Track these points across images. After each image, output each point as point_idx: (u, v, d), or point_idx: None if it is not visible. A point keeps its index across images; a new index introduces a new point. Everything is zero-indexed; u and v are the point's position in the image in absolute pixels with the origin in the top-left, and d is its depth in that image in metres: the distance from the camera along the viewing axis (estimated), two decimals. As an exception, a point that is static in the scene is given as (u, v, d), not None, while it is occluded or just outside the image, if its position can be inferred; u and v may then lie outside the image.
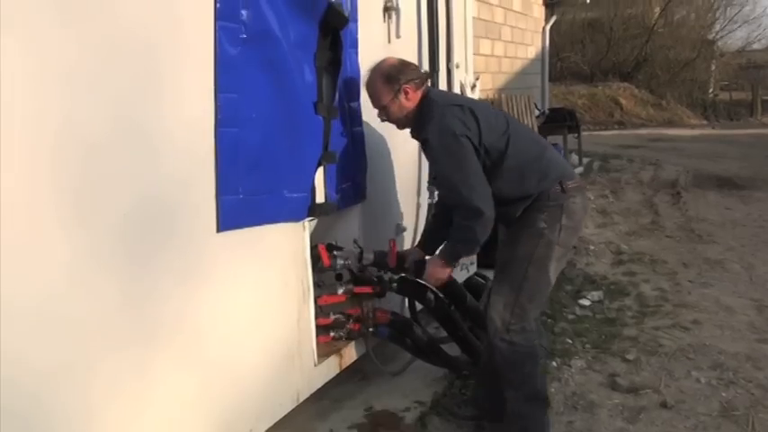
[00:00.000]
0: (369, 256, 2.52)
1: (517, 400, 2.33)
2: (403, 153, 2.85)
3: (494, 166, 2.24)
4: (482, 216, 2.17)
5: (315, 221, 2.29)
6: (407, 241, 2.96)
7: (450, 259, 2.37)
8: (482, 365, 2.57)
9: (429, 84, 2.37)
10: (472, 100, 2.51)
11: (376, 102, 2.37)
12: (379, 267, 2.58)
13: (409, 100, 2.31)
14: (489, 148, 2.22)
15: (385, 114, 2.39)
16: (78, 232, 1.44)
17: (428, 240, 2.63)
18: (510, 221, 2.32)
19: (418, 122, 2.31)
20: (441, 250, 2.43)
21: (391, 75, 2.30)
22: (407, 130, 2.42)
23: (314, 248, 2.34)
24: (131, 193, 1.56)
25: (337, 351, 2.43)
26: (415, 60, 2.94)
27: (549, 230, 2.23)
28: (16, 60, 1.29)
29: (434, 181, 2.68)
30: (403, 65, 2.34)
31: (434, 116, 2.23)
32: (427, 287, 2.52)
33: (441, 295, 2.59)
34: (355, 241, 2.54)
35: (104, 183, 1.49)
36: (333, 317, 2.43)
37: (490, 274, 3.79)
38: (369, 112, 2.51)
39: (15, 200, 1.30)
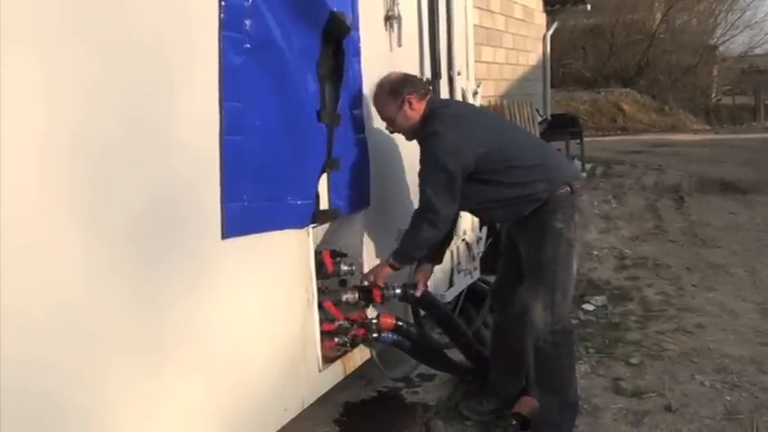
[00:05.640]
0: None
1: (552, 407, 2.36)
2: (406, 159, 2.87)
3: (494, 174, 2.37)
4: (436, 216, 2.32)
5: (319, 228, 2.31)
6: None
7: (397, 259, 2.45)
8: (496, 354, 2.68)
9: (431, 94, 2.53)
10: (471, 112, 2.64)
11: (383, 114, 2.48)
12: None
13: (413, 110, 2.42)
14: (488, 162, 2.35)
15: (392, 125, 2.49)
16: (88, 237, 1.46)
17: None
18: (519, 220, 2.43)
19: (423, 131, 2.41)
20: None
21: (394, 88, 2.41)
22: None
23: (318, 255, 2.36)
24: (138, 199, 1.58)
25: (342, 357, 2.44)
26: (416, 68, 2.97)
27: (567, 229, 2.34)
28: (33, 69, 1.32)
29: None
30: (405, 78, 2.47)
31: (440, 128, 2.34)
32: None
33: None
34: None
35: (112, 189, 1.51)
36: (337, 323, 2.44)
37: (493, 279, 3.83)
38: (372, 120, 2.54)
39: (30, 204, 1.33)
